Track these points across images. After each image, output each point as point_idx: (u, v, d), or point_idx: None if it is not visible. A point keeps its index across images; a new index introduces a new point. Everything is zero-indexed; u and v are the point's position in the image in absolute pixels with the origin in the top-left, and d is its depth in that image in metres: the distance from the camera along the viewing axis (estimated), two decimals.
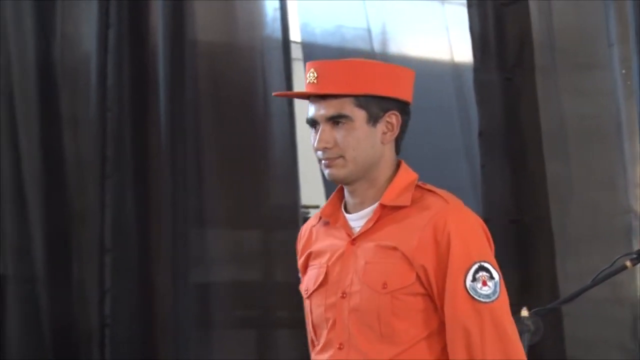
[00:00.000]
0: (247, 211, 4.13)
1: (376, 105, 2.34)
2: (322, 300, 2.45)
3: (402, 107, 2.37)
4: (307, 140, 3.40)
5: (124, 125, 4.00)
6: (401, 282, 2.31)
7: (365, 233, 2.38)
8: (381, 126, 2.35)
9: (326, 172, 2.39)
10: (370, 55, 4.05)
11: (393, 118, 2.35)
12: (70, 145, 3.97)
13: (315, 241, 2.54)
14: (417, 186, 2.39)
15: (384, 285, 2.33)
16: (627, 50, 3.80)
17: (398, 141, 2.39)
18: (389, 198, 2.35)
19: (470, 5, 3.87)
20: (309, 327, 2.46)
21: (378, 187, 2.38)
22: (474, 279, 2.29)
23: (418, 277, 2.29)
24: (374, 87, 2.35)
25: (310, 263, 2.51)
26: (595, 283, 3.22)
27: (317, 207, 4.26)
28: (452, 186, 4.05)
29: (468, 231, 2.31)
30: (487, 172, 3.91)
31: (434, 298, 2.29)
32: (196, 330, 3.95)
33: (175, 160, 3.99)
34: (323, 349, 2.43)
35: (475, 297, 2.26)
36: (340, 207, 2.45)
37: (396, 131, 2.36)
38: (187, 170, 4.01)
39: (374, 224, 2.37)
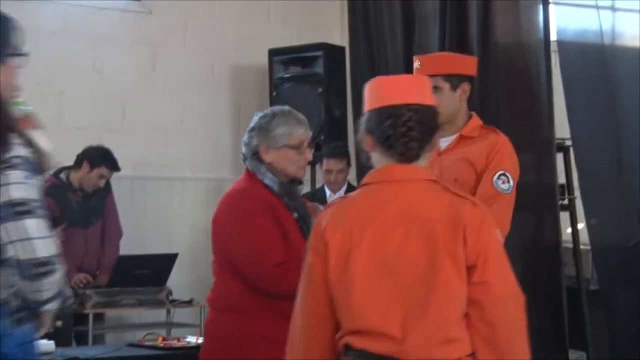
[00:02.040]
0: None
1: (455, 79, 3.36)
2: None
3: (470, 79, 3.41)
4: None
5: None
6: (465, 177, 3.30)
7: (447, 151, 3.35)
8: (459, 91, 3.38)
9: None
10: (601, 46, 5.37)
11: (465, 86, 3.38)
12: None
13: None
14: (482, 126, 3.40)
15: (455, 180, 3.27)
16: None
17: (469, 99, 3.44)
18: (466, 131, 3.36)
19: None
20: None
21: (456, 127, 3.36)
22: (498, 178, 3.27)
23: (476, 175, 3.29)
24: (452, 68, 3.37)
25: None
26: None
27: None
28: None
29: (506, 153, 3.31)
30: None
31: None
32: None
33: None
34: None
35: (495, 187, 3.26)
36: None
37: (467, 94, 3.38)
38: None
39: (454, 145, 3.35)
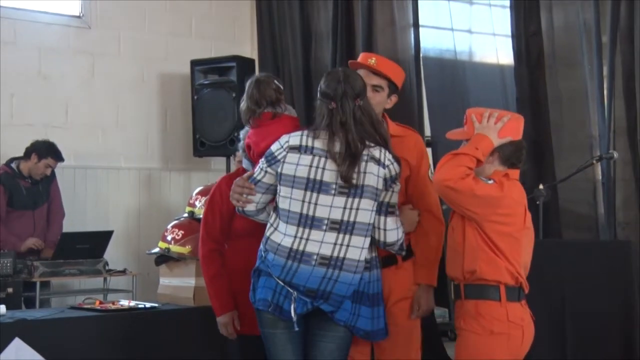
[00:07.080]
0: None
1: (393, 86, 3.34)
2: None
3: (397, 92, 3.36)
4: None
5: None
6: (404, 173, 3.21)
7: None
8: (392, 98, 3.35)
9: None
10: (454, 62, 5.77)
11: (394, 97, 3.34)
12: None
13: None
14: (397, 124, 3.36)
15: None
16: (591, 56, 5.23)
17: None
18: (392, 131, 3.24)
19: (513, 37, 5.55)
20: None
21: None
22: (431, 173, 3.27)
23: (410, 168, 3.24)
24: (397, 78, 3.34)
25: None
26: (577, 171, 4.87)
27: None
28: None
29: (425, 150, 3.37)
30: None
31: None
32: None
33: None
34: None
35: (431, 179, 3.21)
36: None
37: (391, 105, 3.34)
38: None
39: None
